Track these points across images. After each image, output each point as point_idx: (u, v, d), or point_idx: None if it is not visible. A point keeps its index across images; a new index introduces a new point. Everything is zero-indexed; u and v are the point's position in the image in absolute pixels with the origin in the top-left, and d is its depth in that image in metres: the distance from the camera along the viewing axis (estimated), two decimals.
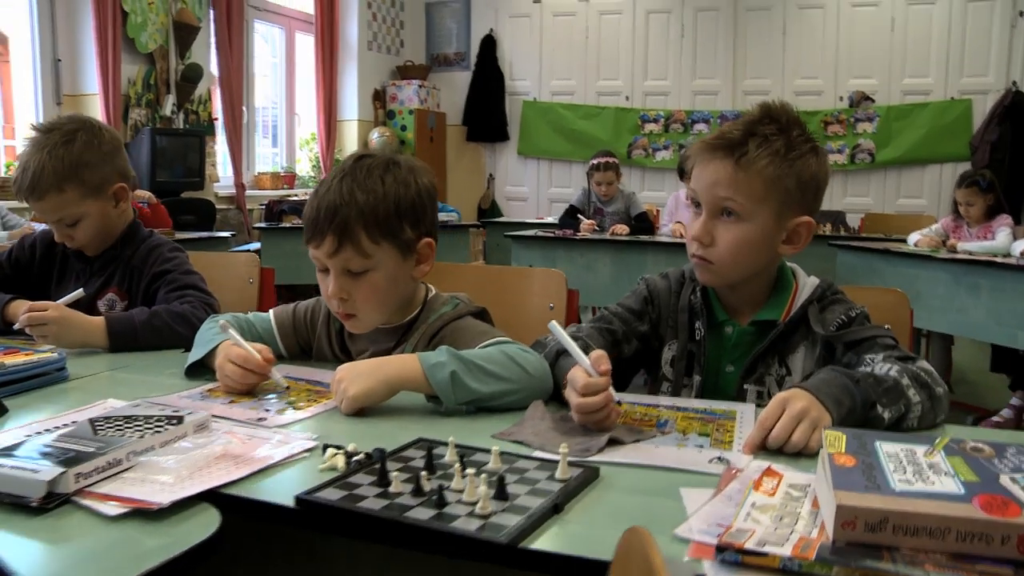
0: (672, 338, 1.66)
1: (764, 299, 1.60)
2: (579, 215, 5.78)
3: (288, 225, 6.15)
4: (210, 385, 1.56)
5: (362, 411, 1.38)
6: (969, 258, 4.23)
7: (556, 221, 6.19)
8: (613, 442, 1.23)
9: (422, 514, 0.95)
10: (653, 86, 8.94)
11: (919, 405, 1.31)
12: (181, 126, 6.81)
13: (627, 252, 5.19)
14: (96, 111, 6.17)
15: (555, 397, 1.46)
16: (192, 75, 6.88)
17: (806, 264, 1.64)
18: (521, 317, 1.98)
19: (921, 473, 0.90)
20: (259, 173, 8.24)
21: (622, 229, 5.48)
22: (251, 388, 1.50)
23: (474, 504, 0.96)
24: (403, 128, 9.23)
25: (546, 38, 9.30)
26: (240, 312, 1.81)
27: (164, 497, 0.99)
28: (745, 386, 1.57)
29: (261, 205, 7.22)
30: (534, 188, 9.58)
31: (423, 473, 1.02)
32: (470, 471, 1.04)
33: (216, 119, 7.34)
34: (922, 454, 0.95)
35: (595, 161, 5.79)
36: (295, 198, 7.63)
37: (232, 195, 7.55)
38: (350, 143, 9.16)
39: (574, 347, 1.33)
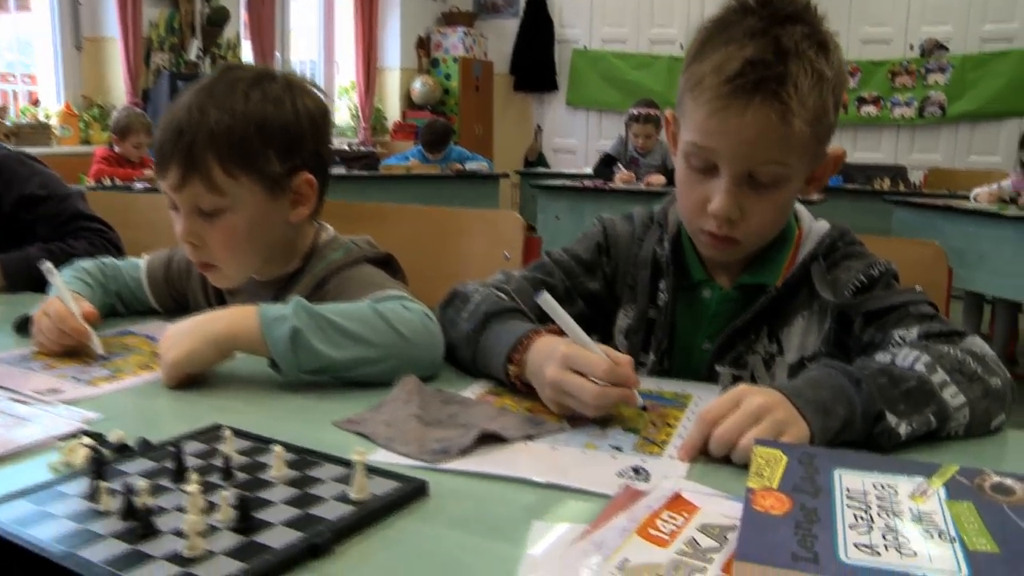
0: (629, 301, 1.28)
1: (758, 253, 1.20)
2: (615, 165, 5.35)
3: None
4: None
5: (194, 380, 1.06)
6: None
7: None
8: (491, 439, 0.88)
9: (101, 552, 0.62)
10: None
11: (964, 409, 0.91)
12: (207, 72, 6.55)
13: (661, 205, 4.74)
14: (116, 56, 5.98)
15: (468, 373, 1.13)
16: (218, 18, 6.62)
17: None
18: (472, 267, 1.63)
19: (898, 532, 0.54)
20: None
21: (658, 180, 5.05)
22: (67, 351, 1.17)
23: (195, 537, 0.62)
24: (447, 77, 8.90)
25: None
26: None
27: None
28: (718, 367, 1.19)
29: None
30: (583, 140, 9.15)
31: (142, 484, 0.68)
32: (199, 485, 0.70)
33: None
34: (907, 495, 0.58)
35: (635, 111, 5.36)
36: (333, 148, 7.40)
37: None
38: (391, 92, 8.88)
39: (576, 328, 0.98)
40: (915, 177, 5.75)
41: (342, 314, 1.06)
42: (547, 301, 0.97)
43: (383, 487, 0.75)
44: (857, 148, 7.70)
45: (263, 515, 0.69)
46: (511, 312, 1.12)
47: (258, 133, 1.20)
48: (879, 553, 0.51)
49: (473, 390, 1.06)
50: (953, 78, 7.45)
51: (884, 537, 0.52)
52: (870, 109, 7.69)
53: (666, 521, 0.64)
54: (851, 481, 0.60)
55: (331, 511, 0.70)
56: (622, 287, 1.29)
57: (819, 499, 0.57)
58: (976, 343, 1.01)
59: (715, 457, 0.83)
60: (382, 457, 0.84)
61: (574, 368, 0.93)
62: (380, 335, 1.06)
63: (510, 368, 1.03)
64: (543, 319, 1.07)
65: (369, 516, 0.70)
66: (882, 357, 0.98)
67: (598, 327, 1.31)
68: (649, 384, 1.10)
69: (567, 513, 0.72)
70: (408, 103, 8.93)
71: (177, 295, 1.48)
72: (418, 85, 8.77)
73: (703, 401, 1.01)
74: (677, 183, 1.17)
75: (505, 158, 8.56)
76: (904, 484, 0.60)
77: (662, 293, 1.23)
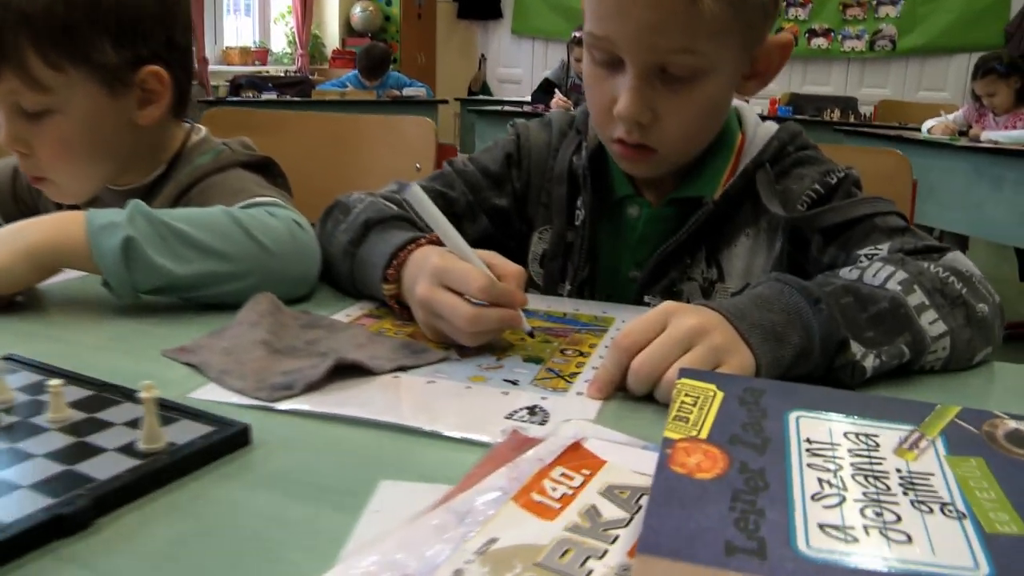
0: (544, 222, 1.08)
1: (692, 164, 1.00)
2: (555, 90, 5.12)
3: (237, 98, 5.57)
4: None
5: (12, 304, 0.85)
6: (994, 147, 3.60)
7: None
8: (351, 370, 0.69)
9: None
10: None
11: (945, 339, 0.74)
12: None
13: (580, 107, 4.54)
14: None
15: (349, 295, 0.94)
16: None
17: None
18: (377, 179, 1.42)
19: (882, 505, 0.36)
20: (227, 48, 7.65)
21: None
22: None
23: None
24: (388, 3, 8.56)
25: None
26: None
27: None
28: (648, 298, 1.00)
29: (226, 82, 6.67)
30: (528, 70, 8.85)
31: None
32: None
33: None
34: (892, 448, 0.40)
35: (577, 34, 5.11)
36: (266, 74, 7.08)
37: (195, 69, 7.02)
38: (330, 18, 8.51)
39: (452, 233, 0.78)
40: (865, 110, 5.61)
41: (190, 221, 0.86)
42: (415, 195, 0.77)
43: (189, 434, 0.55)
44: (807, 81, 7.56)
45: (10, 474, 0.49)
46: (396, 221, 0.92)
47: (86, 15, 0.97)
48: (855, 539, 0.33)
49: (349, 312, 0.87)
50: (904, 11, 7.29)
51: (863, 513, 0.35)
52: (820, 42, 7.52)
53: (558, 481, 0.46)
54: (813, 429, 0.42)
55: (105, 468, 0.51)
56: (535, 206, 1.09)
57: (767, 455, 0.39)
58: (959, 260, 0.83)
59: (635, 395, 0.65)
60: (208, 394, 0.65)
61: (446, 284, 0.75)
62: (235, 246, 0.86)
63: (385, 288, 0.84)
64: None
65: (157, 474, 0.51)
66: (847, 273, 0.80)
67: (509, 252, 1.11)
68: (564, 305, 0.92)
69: (429, 469, 0.53)
70: (348, 30, 8.57)
71: (27, 211, 1.25)
72: (358, 11, 8.43)
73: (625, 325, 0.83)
74: (584, 85, 0.98)
75: (448, 88, 8.25)
76: (887, 433, 0.42)
77: (580, 212, 1.04)
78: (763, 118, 1.05)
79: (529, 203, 1.10)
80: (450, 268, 0.75)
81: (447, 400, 0.65)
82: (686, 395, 0.46)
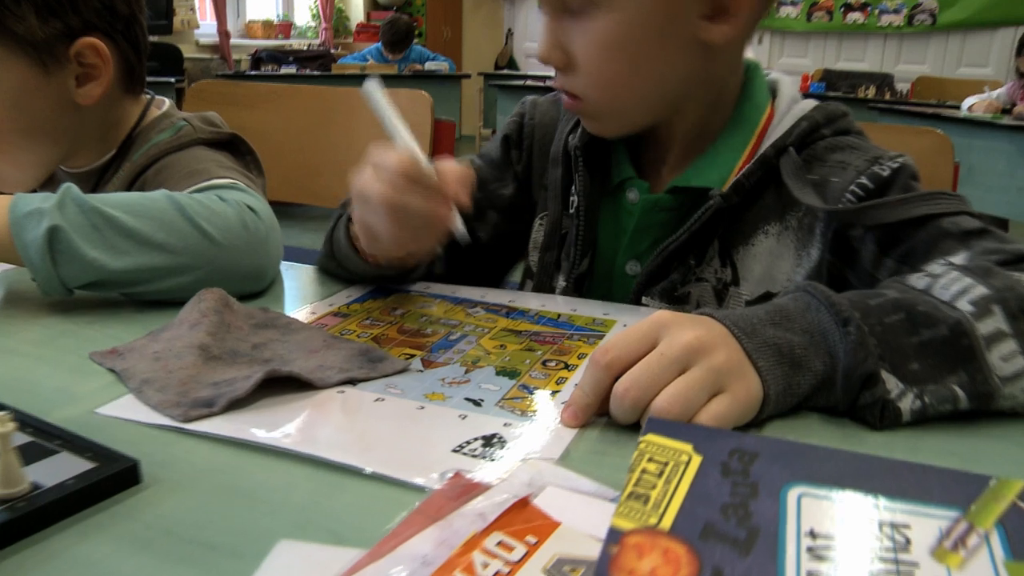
0: (543, 208, 0.97)
1: (707, 142, 0.86)
2: None
3: (257, 72, 5.48)
4: None
5: None
6: None
7: None
8: (288, 383, 0.59)
9: None
10: None
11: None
12: None
13: None
14: None
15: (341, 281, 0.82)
16: None
17: None
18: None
19: None
20: (250, 21, 7.58)
21: None
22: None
23: None
24: None
25: None
26: None
27: None
28: (645, 299, 0.86)
29: (248, 55, 6.60)
30: None
31: None
32: None
33: None
34: (928, 546, 0.29)
35: None
36: (288, 48, 7.00)
37: (216, 44, 6.97)
38: None
39: (402, 132, 0.71)
40: (902, 87, 5.41)
41: (128, 208, 0.76)
42: (368, 91, 0.73)
43: (63, 472, 0.46)
44: (841, 57, 7.35)
45: None
46: None
47: None
48: None
49: (315, 309, 0.78)
50: None
51: None
52: (856, 16, 7.28)
53: (493, 554, 0.36)
54: (820, 515, 0.31)
55: None
56: (538, 189, 0.98)
57: (754, 557, 0.28)
58: None
59: (619, 422, 0.55)
60: (117, 411, 0.56)
61: (373, 164, 0.69)
62: (177, 236, 0.76)
63: (351, 227, 0.79)
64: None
65: (7, 528, 0.41)
66: (917, 280, 0.64)
67: (526, 246, 1.01)
68: (560, 305, 0.81)
69: (345, 522, 0.43)
70: (373, 4, 8.46)
71: None
72: None
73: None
74: None
75: (474, 63, 8.12)
76: (923, 522, 0.31)
77: (574, 197, 0.91)
78: None
79: (533, 186, 0.99)
80: (379, 152, 0.69)
81: (390, 426, 0.54)
82: (650, 459, 0.35)
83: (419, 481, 0.46)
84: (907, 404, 0.54)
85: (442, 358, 0.66)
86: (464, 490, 0.44)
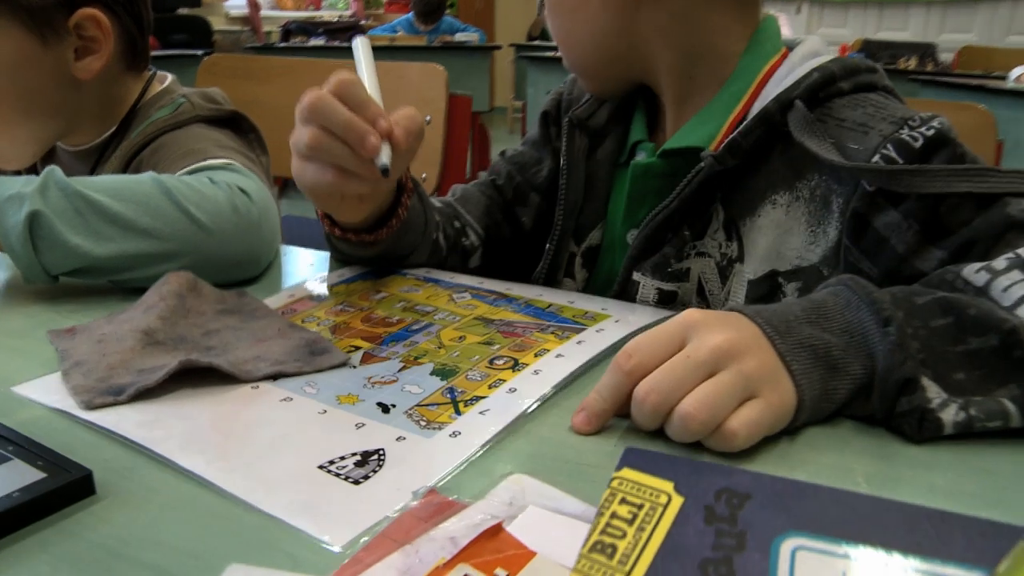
0: None
1: (702, 101, 0.78)
2: None
3: (286, 44, 5.46)
4: None
5: None
6: None
7: None
8: (210, 372, 0.55)
9: None
10: None
11: None
12: None
13: None
14: None
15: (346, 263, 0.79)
16: None
17: None
18: None
19: None
20: None
21: None
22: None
23: None
24: None
25: None
26: None
27: None
28: (636, 275, 0.79)
29: (279, 27, 6.58)
30: None
31: None
32: None
33: None
34: None
35: None
36: (318, 20, 6.98)
37: (247, 15, 6.97)
38: None
39: (364, 72, 0.71)
40: (945, 57, 5.25)
41: (113, 192, 0.72)
42: (358, 46, 0.72)
43: (11, 482, 0.42)
44: (882, 27, 7.16)
45: None
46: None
47: None
48: None
49: (293, 293, 0.75)
50: None
51: None
52: None
53: None
54: (816, 572, 0.26)
55: None
56: None
57: None
58: None
59: (641, 429, 0.49)
60: (31, 391, 0.56)
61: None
62: (164, 221, 0.73)
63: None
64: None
65: None
66: (974, 275, 0.55)
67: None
68: (558, 296, 0.76)
69: (307, 545, 0.39)
70: None
71: None
72: None
73: (620, 319, 0.67)
74: None
75: (506, 34, 8.04)
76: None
77: (563, 159, 0.87)
78: None
79: None
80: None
81: (275, 432, 0.50)
82: (623, 501, 0.31)
83: (263, 506, 0.42)
84: (950, 415, 0.48)
85: (386, 351, 0.62)
86: (437, 509, 0.40)
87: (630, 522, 0.30)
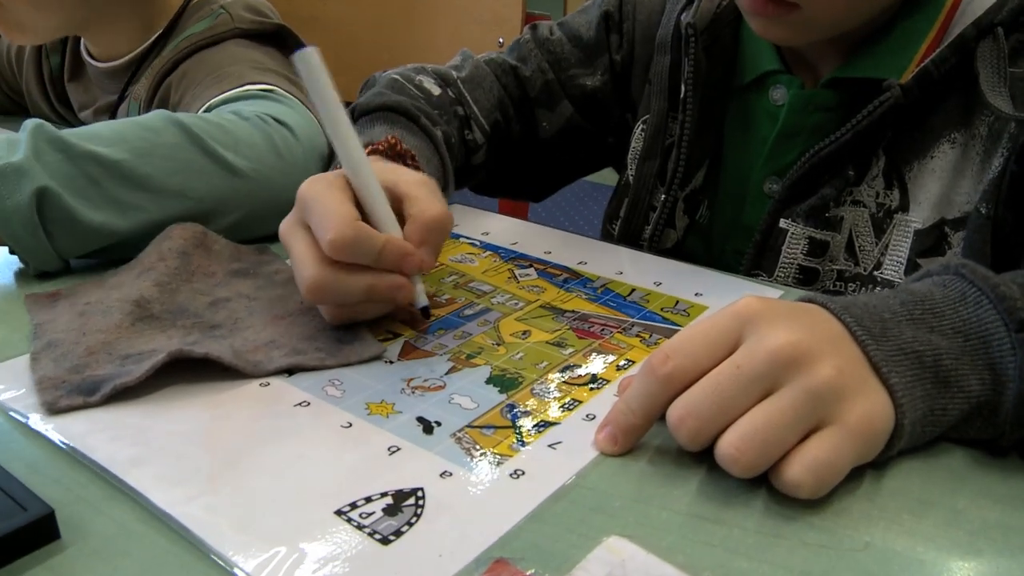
0: (648, 111, 0.79)
1: (868, 29, 0.65)
2: None
3: None
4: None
5: None
6: None
7: None
8: (208, 364, 0.48)
9: None
10: None
11: None
12: None
13: None
14: None
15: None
16: None
17: None
18: (452, 53, 1.19)
19: None
20: None
21: None
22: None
23: None
24: None
25: None
26: None
27: None
28: (784, 222, 0.68)
29: None
30: None
31: None
32: None
33: None
34: None
35: None
36: None
37: None
38: None
39: (339, 118, 0.53)
40: None
41: (130, 146, 0.61)
42: (305, 60, 0.51)
43: None
44: None
45: None
46: (384, 113, 0.68)
47: None
48: None
49: None
50: None
51: None
52: None
53: None
54: None
55: None
56: (640, 85, 0.82)
57: None
58: None
59: (690, 449, 0.40)
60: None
61: (307, 221, 0.51)
62: (197, 177, 0.63)
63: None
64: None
65: None
66: None
67: (607, 150, 0.86)
68: (642, 273, 0.65)
69: None
70: None
71: (12, 91, 1.10)
72: None
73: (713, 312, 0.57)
74: None
75: None
76: None
77: (686, 84, 0.73)
78: None
79: (633, 81, 0.83)
80: (315, 198, 0.51)
81: (283, 455, 0.41)
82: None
83: (245, 567, 0.34)
84: None
85: (432, 343, 0.52)
86: None
87: None
